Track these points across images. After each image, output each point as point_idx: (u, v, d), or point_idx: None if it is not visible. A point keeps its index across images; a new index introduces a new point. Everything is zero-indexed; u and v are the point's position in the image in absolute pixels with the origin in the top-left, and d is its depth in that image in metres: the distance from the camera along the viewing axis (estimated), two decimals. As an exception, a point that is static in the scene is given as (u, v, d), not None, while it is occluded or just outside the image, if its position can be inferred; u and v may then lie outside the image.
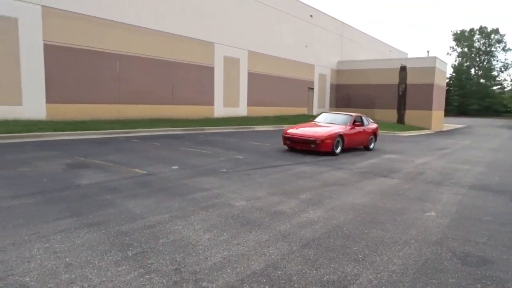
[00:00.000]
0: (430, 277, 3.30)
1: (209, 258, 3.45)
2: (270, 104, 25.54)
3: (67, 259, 3.28)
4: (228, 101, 22.38)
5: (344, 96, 32.23)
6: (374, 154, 11.76)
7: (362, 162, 9.99)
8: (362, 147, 12.57)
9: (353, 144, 11.77)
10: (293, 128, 11.55)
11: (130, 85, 16.77)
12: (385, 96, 29.40)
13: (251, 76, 23.90)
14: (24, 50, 13.24)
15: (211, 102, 21.20)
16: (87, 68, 15.14)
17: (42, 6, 13.59)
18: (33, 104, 13.57)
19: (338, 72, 32.80)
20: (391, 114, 28.92)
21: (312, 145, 10.33)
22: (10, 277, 2.92)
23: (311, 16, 28.98)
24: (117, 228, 4.07)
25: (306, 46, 28.80)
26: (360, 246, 3.94)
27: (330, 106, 32.46)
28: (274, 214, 4.88)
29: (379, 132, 14.16)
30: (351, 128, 11.56)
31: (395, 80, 28.74)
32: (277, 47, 25.71)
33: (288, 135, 10.96)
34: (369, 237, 4.20)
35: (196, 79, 20.04)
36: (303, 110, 29.22)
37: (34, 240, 3.63)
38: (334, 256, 3.64)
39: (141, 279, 3.01)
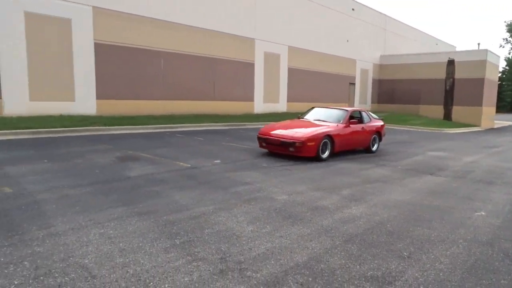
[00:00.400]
0: (480, 278, 3.19)
1: (253, 249, 3.54)
2: (310, 100, 25.31)
3: (121, 244, 3.50)
4: (268, 97, 22.45)
5: (387, 91, 31.29)
6: (418, 151, 11.35)
7: (406, 159, 9.70)
8: (362, 148, 10.46)
9: (349, 146, 9.64)
10: (270, 126, 9.50)
11: (174, 82, 17.28)
12: (431, 92, 28.20)
13: (291, 71, 23.81)
14: (76, 49, 14.02)
15: (251, 98, 21.37)
16: (134, 65, 15.77)
17: (93, 7, 14.31)
18: (84, 100, 14.37)
19: (380, 67, 31.86)
20: (437, 110, 27.73)
21: (291, 149, 8.26)
22: (71, 258, 3.17)
23: (353, 9, 28.33)
24: (165, 217, 4.26)
25: (347, 40, 28.22)
26: (405, 243, 3.87)
27: (372, 101, 31.65)
28: (316, 209, 4.89)
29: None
30: (345, 127, 9.32)
31: (442, 74, 27.48)
32: (318, 42, 25.41)
33: (262, 136, 8.87)
34: (414, 235, 4.11)
35: (236, 75, 20.27)
36: (344, 106, 28.67)
37: (90, 226, 3.90)
38: (378, 252, 3.61)
39: (189, 266, 3.15)
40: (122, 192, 5.18)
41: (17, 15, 12.40)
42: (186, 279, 2.93)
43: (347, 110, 9.85)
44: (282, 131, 8.68)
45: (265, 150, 9.35)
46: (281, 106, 23.45)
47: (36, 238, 3.53)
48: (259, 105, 21.95)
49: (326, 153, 8.68)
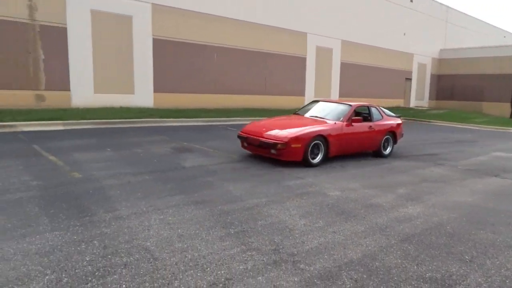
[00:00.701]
0: (553, 288, 2.96)
1: (305, 242, 3.56)
2: (362, 95, 24.62)
3: (179, 230, 3.67)
4: (319, 92, 22.14)
5: (446, 87, 29.59)
6: (481, 151, 10.63)
7: (467, 159, 9.14)
8: (371, 151, 8.70)
9: (351, 148, 7.98)
10: (255, 123, 8.02)
11: (226, 76, 17.61)
12: (497, 88, 26.25)
13: (344, 66, 23.28)
14: (136, 45, 14.74)
15: (302, 93, 21.22)
16: (189, 60, 16.28)
17: (152, 3, 14.94)
18: (143, 93, 15.10)
19: (440, 61, 30.17)
20: (503, 108, 25.76)
21: (272, 151, 6.77)
22: (134, 241, 3.38)
23: (411, 1, 27.02)
24: (219, 207, 4.40)
25: (404, 33, 27.01)
26: (467, 246, 3.68)
27: (430, 98, 30.12)
28: (370, 206, 4.79)
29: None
30: (346, 125, 7.66)
31: (510, 69, 25.43)
32: (373, 35, 24.57)
33: (243, 135, 7.42)
34: (477, 239, 3.90)
35: (288, 69, 20.22)
36: (399, 102, 27.60)
37: (151, 211, 4.12)
38: (437, 254, 3.47)
39: (244, 255, 3.24)
40: (178, 181, 5.41)
41: (84, 13, 13.28)
42: (241, 267, 3.02)
43: (350, 105, 8.14)
44: (264, 130, 7.15)
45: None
46: (332, 101, 23.02)
47: (103, 220, 3.80)
48: (310, 100, 21.72)
49: (319, 157, 7.09)
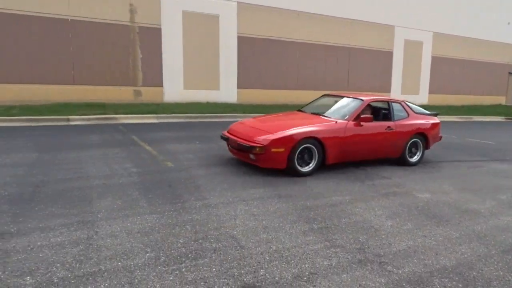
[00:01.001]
0: None
1: (392, 244, 3.42)
2: (456, 92, 22.66)
3: (264, 222, 3.78)
4: (407, 88, 20.88)
5: (560, 83, 25.78)
6: None
7: None
8: (391, 158, 6.83)
9: (360, 155, 6.35)
10: (244, 121, 6.70)
11: (308, 72, 17.51)
12: None
13: (435, 60, 21.59)
14: (222, 43, 15.38)
15: (387, 89, 20.21)
16: (271, 56, 16.51)
17: (238, 2, 15.43)
18: (227, 89, 15.72)
19: (554, 53, 26.36)
20: None
21: (251, 155, 5.57)
22: (222, 228, 3.57)
23: (520, -15, 24.00)
24: (302, 202, 4.43)
25: (508, 23, 24.11)
26: None
27: (539, 95, 26.52)
28: (465, 212, 4.42)
29: None
30: (355, 125, 6.08)
31: None
32: (469, 26, 22.34)
33: (226, 135, 6.22)
34: None
35: (373, 65, 19.39)
36: (500, 100, 24.82)
37: (236, 202, 4.30)
38: (548, 269, 3.08)
39: (327, 251, 3.22)
40: (261, 175, 5.55)
41: (177, 14, 14.22)
42: (325, 263, 3.02)
43: (362, 100, 6.47)
44: (249, 129, 5.96)
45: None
46: (422, 97, 21.56)
47: (194, 207, 4.07)
48: (396, 97, 20.58)
49: (311, 165, 5.67)
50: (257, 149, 5.36)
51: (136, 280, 2.63)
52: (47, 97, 12.30)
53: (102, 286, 2.54)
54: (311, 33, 17.30)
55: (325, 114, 6.46)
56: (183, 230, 3.47)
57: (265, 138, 5.44)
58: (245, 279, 2.72)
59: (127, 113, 11.18)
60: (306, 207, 4.26)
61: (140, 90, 13.94)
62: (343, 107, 6.57)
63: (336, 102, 6.94)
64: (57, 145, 7.00)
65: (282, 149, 5.39)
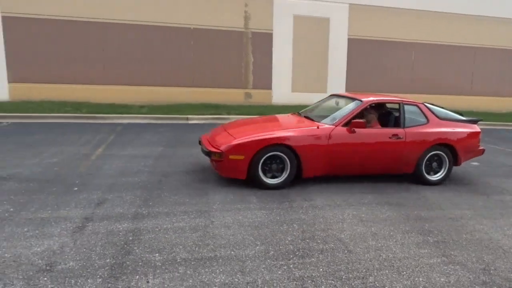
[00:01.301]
0: None
1: (527, 269, 2.99)
2: None
3: (373, 228, 3.65)
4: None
5: None
6: None
7: None
8: (401, 173, 5.44)
9: (351, 168, 5.17)
10: (225, 125, 5.81)
11: (424, 74, 16.24)
12: None
13: None
14: (332, 45, 15.21)
15: (521, 94, 17.58)
16: (382, 58, 15.74)
17: (349, 4, 15.09)
18: (334, 92, 15.48)
19: None
20: None
21: (213, 162, 4.93)
22: (329, 230, 3.55)
23: None
24: (415, 212, 4.15)
25: None
26: None
27: None
28: None
29: None
30: (347, 131, 4.98)
31: None
32: None
33: (200, 139, 5.49)
34: None
35: (500, 66, 17.05)
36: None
37: (344, 206, 4.24)
38: None
39: (445, 267, 2.97)
40: (368, 181, 5.34)
41: (288, 19, 14.55)
42: (442, 279, 2.79)
43: (360, 101, 5.31)
44: (221, 134, 5.24)
45: None
46: None
47: (301, 207, 4.14)
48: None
49: (283, 177, 4.79)
50: (216, 155, 4.71)
51: (247, 269, 2.79)
52: (169, 98, 13.72)
53: (217, 270, 2.76)
54: (429, 32, 15.98)
55: (313, 118, 5.53)
56: (291, 228, 3.56)
57: (224, 143, 4.80)
58: (353, 284, 2.67)
59: (237, 114, 11.85)
60: (419, 218, 3.98)
61: (251, 92, 14.62)
62: (338, 110, 5.57)
63: (337, 103, 5.98)
64: (179, 140, 7.78)
65: (241, 157, 4.65)
